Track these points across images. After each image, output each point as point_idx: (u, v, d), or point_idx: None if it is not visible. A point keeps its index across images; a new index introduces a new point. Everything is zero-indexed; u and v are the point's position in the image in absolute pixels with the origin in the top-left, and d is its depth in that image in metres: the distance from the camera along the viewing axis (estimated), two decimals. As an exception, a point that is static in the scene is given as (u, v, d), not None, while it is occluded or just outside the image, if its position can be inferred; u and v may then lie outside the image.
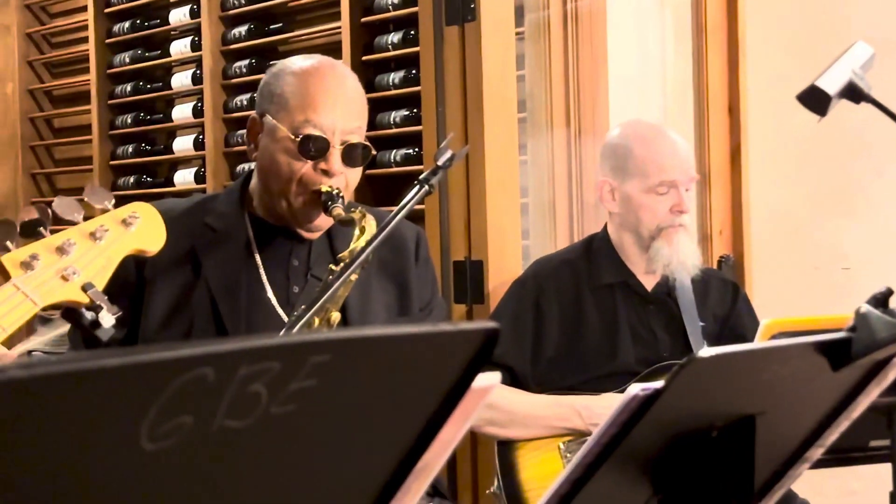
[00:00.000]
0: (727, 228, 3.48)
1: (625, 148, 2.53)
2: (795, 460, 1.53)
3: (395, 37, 3.88)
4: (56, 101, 5.46)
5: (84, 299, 1.37)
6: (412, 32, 3.81)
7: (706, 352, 1.21)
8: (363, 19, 3.96)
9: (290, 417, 0.63)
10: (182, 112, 4.72)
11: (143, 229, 1.49)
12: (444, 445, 0.88)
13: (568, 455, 2.43)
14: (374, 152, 1.91)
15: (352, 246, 1.73)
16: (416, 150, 3.80)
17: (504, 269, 3.00)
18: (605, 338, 2.50)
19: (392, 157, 3.84)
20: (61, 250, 1.38)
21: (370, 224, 1.77)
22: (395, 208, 1.75)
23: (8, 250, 1.37)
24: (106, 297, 1.39)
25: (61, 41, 5.41)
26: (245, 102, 4.42)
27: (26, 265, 1.34)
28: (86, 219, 1.50)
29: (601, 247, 2.60)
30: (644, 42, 3.48)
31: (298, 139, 1.83)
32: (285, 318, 1.87)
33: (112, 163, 5.02)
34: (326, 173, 1.84)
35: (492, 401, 2.35)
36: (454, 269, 3.02)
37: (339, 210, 1.79)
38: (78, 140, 5.23)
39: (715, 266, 3.42)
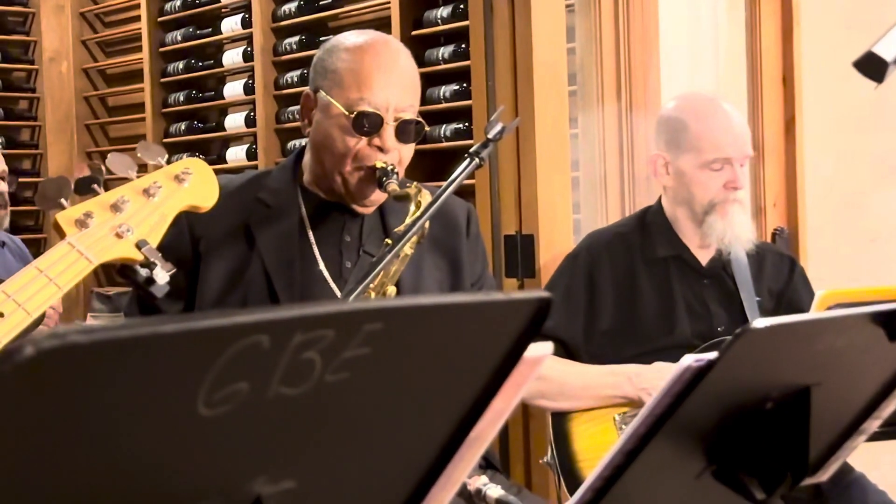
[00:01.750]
0: (781, 201, 3.43)
1: (680, 122, 2.50)
2: (851, 432, 1.51)
3: (444, 11, 3.87)
4: (110, 80, 5.53)
5: (138, 256, 1.36)
6: (461, 6, 3.80)
7: (760, 322, 1.20)
8: (412, -7, 3.95)
9: (343, 385, 0.63)
10: (233, 89, 4.75)
11: (196, 185, 1.48)
12: (497, 415, 0.89)
13: (623, 426, 2.42)
14: (426, 128, 1.91)
15: (407, 221, 1.73)
16: (466, 124, 3.80)
17: (555, 244, 2.99)
18: (660, 311, 2.49)
19: (442, 132, 3.84)
20: (115, 207, 1.38)
21: (425, 199, 1.77)
22: (446, 183, 1.75)
23: (63, 207, 1.37)
24: (160, 254, 1.38)
25: (114, 20, 5.47)
26: (295, 79, 4.43)
27: (81, 223, 1.34)
28: (139, 175, 1.50)
29: (655, 220, 2.57)
30: (696, 11, 3.43)
31: (353, 116, 1.83)
32: (338, 293, 1.88)
33: (165, 140, 5.07)
34: (380, 149, 1.84)
35: (542, 373, 2.36)
36: (505, 243, 3.01)
37: (393, 185, 1.79)
38: (131, 118, 5.29)
39: (769, 238, 3.38)
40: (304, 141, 4.49)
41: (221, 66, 4.81)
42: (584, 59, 3.31)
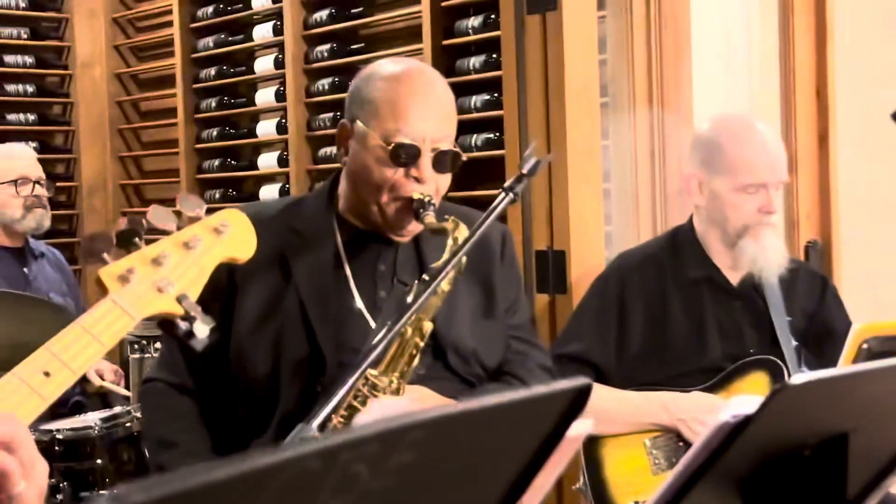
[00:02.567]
0: (814, 213, 3.41)
1: (715, 143, 2.48)
2: (889, 472, 1.51)
3: (475, 21, 3.87)
4: (142, 85, 5.57)
5: (179, 310, 1.38)
6: (492, 16, 3.80)
7: (798, 378, 1.20)
8: (443, 3, 3.96)
9: (390, 491, 0.64)
10: (265, 96, 4.78)
11: (235, 237, 1.50)
12: (538, 491, 0.89)
13: (654, 451, 2.42)
14: (464, 158, 1.91)
15: (445, 257, 1.74)
16: (497, 134, 3.80)
17: (587, 259, 2.99)
18: (691, 333, 2.48)
19: (473, 142, 3.84)
20: (156, 262, 1.39)
21: (462, 233, 1.77)
22: (480, 219, 1.75)
23: (106, 263, 1.39)
24: (200, 308, 1.40)
25: (147, 25, 5.51)
26: (326, 87, 4.45)
27: (123, 279, 1.36)
28: (178, 227, 1.51)
29: (686, 240, 2.57)
30: (729, 23, 3.41)
31: (390, 147, 1.84)
32: (372, 324, 1.89)
33: (197, 146, 5.11)
34: (417, 180, 1.84)
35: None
36: (536, 258, 3.02)
37: (430, 218, 1.80)
38: (164, 123, 5.32)
39: (802, 251, 3.36)
40: (335, 149, 4.50)
41: (253, 72, 4.83)
42: (615, 69, 3.30)
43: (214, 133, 5.03)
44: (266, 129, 4.78)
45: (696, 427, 2.34)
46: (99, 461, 3.07)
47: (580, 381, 0.77)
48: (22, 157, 3.67)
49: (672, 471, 1.26)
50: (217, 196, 5.00)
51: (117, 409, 3.17)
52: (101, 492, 3.09)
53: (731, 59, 3.42)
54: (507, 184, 1.77)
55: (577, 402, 0.82)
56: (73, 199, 5.58)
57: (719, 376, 2.44)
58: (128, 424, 3.07)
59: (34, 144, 5.36)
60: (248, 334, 1.90)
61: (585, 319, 2.55)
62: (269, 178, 4.84)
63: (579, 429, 0.86)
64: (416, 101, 1.86)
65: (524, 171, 1.75)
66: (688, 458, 1.24)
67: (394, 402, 1.58)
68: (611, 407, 2.43)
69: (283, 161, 4.70)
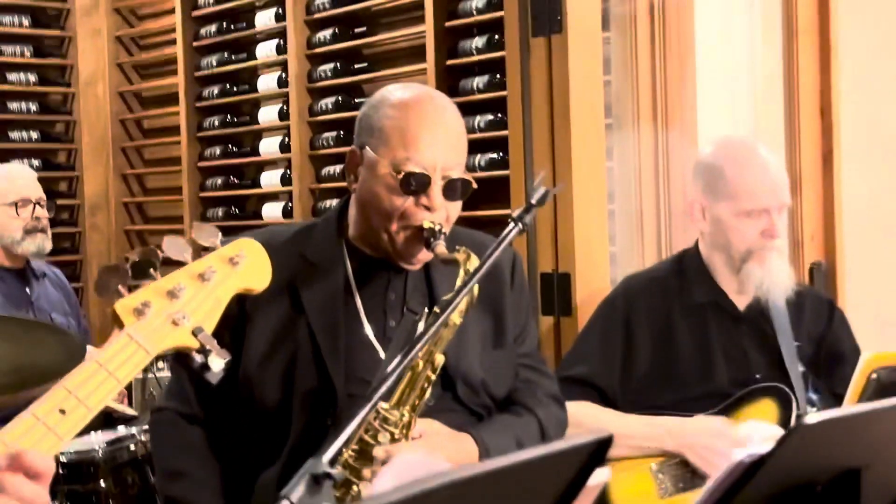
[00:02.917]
0: (819, 234, 3.41)
1: (717, 169, 2.49)
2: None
3: (479, 41, 3.88)
4: (145, 103, 5.58)
5: (194, 344, 1.38)
6: (496, 37, 3.81)
7: (812, 418, 1.20)
8: (447, 23, 3.96)
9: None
10: (268, 115, 4.78)
11: (250, 268, 1.49)
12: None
13: (660, 476, 2.41)
14: (474, 186, 1.90)
15: (457, 288, 1.72)
16: (501, 154, 3.80)
17: (592, 282, 2.99)
18: (697, 358, 2.48)
19: (476, 162, 3.85)
20: (172, 294, 1.38)
21: (473, 265, 1.76)
22: (489, 249, 1.74)
23: (121, 296, 1.39)
24: (215, 341, 1.40)
25: (150, 44, 5.52)
26: (330, 106, 4.46)
27: (139, 312, 1.35)
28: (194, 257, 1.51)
29: (692, 265, 2.57)
30: (732, 44, 3.42)
31: (400, 176, 1.83)
32: (382, 354, 1.89)
33: (200, 164, 5.11)
34: (427, 208, 1.83)
35: (581, 420, 2.38)
36: (541, 281, 3.01)
37: (441, 248, 1.79)
38: (167, 141, 5.33)
39: (807, 272, 3.36)
40: (338, 168, 4.50)
41: (256, 91, 4.84)
42: (619, 90, 3.30)
43: (217, 151, 5.03)
44: (269, 147, 4.78)
45: (704, 453, 2.34)
46: (103, 484, 3.06)
47: (600, 434, 0.77)
48: (21, 178, 3.66)
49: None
50: (220, 214, 5.00)
51: (122, 432, 3.15)
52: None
53: (735, 78, 3.42)
54: (515, 214, 1.76)
55: (597, 454, 0.81)
56: (75, 216, 5.58)
57: (726, 402, 2.44)
58: (132, 448, 3.06)
59: (37, 162, 5.37)
60: (258, 365, 1.89)
61: (591, 342, 2.54)
62: (271, 197, 4.84)
63: (599, 478, 0.86)
64: (427, 129, 1.85)
65: (533, 201, 1.74)
66: (702, 498, 1.24)
67: (414, 459, 1.57)
68: (615, 431, 2.41)
69: (286, 180, 4.70)
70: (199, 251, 1.54)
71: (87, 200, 5.54)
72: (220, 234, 1.51)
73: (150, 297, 1.35)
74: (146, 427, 3.10)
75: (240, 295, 1.87)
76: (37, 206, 3.60)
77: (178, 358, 1.37)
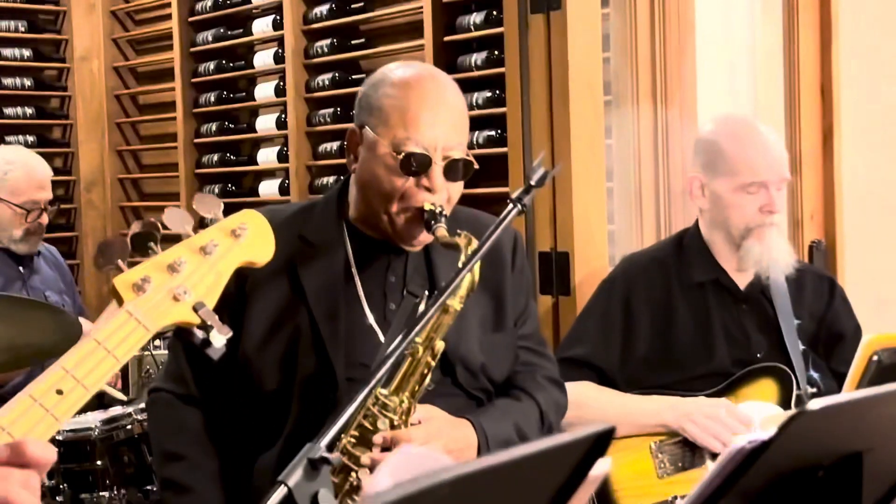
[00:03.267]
0: (819, 213, 3.39)
1: (716, 145, 2.48)
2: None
3: (477, 17, 3.84)
4: (141, 79, 5.54)
5: (195, 319, 1.34)
6: (494, 13, 3.77)
7: (816, 403, 1.19)
8: (445, -1, 3.92)
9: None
10: (264, 91, 4.75)
11: (252, 240, 1.45)
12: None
13: (659, 455, 2.41)
14: (476, 166, 1.87)
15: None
16: (499, 131, 3.78)
17: (591, 261, 2.97)
18: (697, 338, 2.47)
19: (475, 139, 3.82)
20: (172, 268, 1.35)
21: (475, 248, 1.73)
22: (488, 231, 1.72)
23: (121, 270, 1.36)
24: (216, 317, 1.36)
25: (145, 18, 5.47)
26: (327, 82, 4.42)
27: (138, 287, 1.32)
28: (195, 230, 1.47)
29: (692, 244, 2.55)
30: (732, 21, 3.39)
31: (400, 156, 1.79)
32: (382, 338, 1.87)
33: (196, 140, 5.08)
34: (428, 189, 1.80)
35: (581, 400, 2.36)
36: (540, 260, 3.00)
37: (442, 231, 1.76)
38: (163, 117, 5.29)
39: (806, 251, 3.35)
40: (335, 144, 4.47)
41: (252, 67, 4.80)
42: (618, 67, 3.28)
43: (214, 128, 5.00)
44: (265, 124, 4.75)
45: (705, 422, 2.31)
46: (99, 462, 3.05)
47: (602, 426, 0.75)
48: (37, 179, 3.57)
49: (687, 496, 1.25)
50: (216, 191, 4.98)
51: (117, 411, 3.15)
52: (101, 493, 3.08)
53: (736, 58, 3.40)
54: (515, 195, 1.74)
55: (599, 445, 0.80)
56: (70, 193, 5.56)
57: (726, 382, 2.43)
58: (128, 426, 3.05)
59: (31, 138, 5.34)
60: (258, 347, 1.87)
61: (591, 323, 2.53)
62: (268, 174, 4.82)
63: (600, 469, 0.85)
64: (427, 109, 1.81)
65: (532, 182, 1.72)
66: (703, 483, 1.23)
67: (413, 452, 1.56)
68: (615, 409, 2.42)
69: (282, 156, 4.67)
70: (201, 223, 1.50)
71: (83, 176, 5.51)
72: (221, 204, 1.47)
73: (150, 272, 1.32)
74: (142, 406, 3.09)
75: (239, 275, 1.85)
76: (43, 211, 3.56)
77: (179, 334, 1.34)
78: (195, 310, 1.34)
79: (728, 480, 1.22)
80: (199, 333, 1.35)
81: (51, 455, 1.08)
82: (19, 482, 1.06)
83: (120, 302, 1.32)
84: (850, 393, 1.22)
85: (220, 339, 1.35)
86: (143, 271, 1.33)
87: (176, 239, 1.40)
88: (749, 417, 2.33)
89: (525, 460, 0.70)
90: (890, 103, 3.39)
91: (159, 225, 1.40)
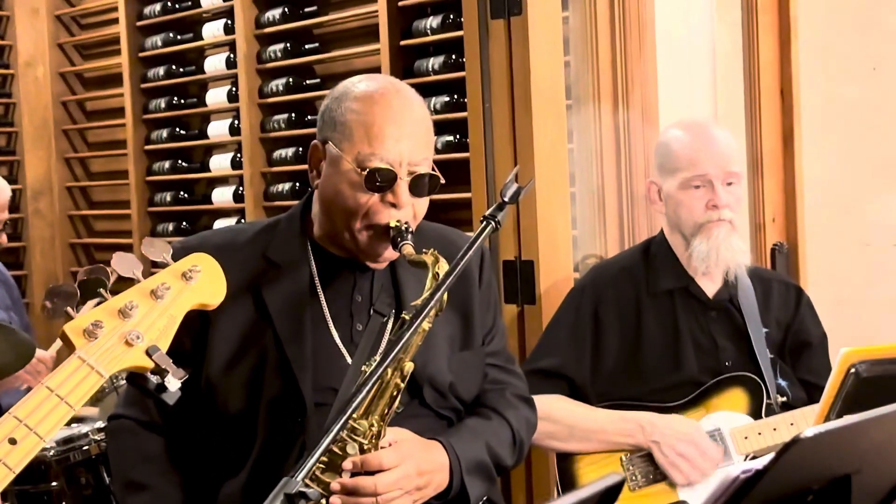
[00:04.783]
0: (780, 215, 3.39)
1: (665, 146, 2.49)
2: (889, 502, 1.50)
3: (434, 21, 3.80)
4: (88, 84, 5.42)
5: (149, 364, 1.34)
6: (451, 16, 3.73)
7: (810, 431, 1.17)
8: (400, 3, 3.88)
9: None
10: (216, 96, 4.66)
11: (204, 282, 1.43)
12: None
13: (630, 468, 2.38)
14: (442, 181, 1.83)
15: (425, 295, 1.65)
16: (458, 136, 3.74)
17: (556, 269, 2.94)
18: (666, 348, 2.44)
19: (434, 145, 3.77)
20: (123, 313, 1.34)
21: (443, 268, 1.69)
22: (462, 251, 1.68)
23: (70, 317, 1.32)
24: (171, 361, 1.35)
25: (91, 23, 5.36)
26: (280, 87, 4.35)
27: (90, 333, 1.31)
28: (146, 274, 1.45)
29: (659, 251, 2.53)
30: (692, 25, 3.37)
31: (364, 173, 1.75)
32: (349, 359, 1.82)
33: (146, 147, 4.98)
34: (393, 206, 1.76)
35: (552, 414, 2.33)
36: (504, 268, 2.95)
37: (409, 249, 1.71)
38: (111, 124, 5.19)
39: (768, 254, 3.34)
40: (290, 151, 4.40)
41: (203, 72, 4.72)
42: (579, 71, 3.24)
43: (164, 134, 4.90)
44: (218, 130, 4.67)
45: (668, 452, 2.32)
46: (55, 484, 2.96)
47: (613, 478, 0.71)
48: (1, 199, 3.48)
49: None
50: (168, 199, 4.89)
51: (74, 430, 3.06)
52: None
53: (695, 58, 3.38)
54: (488, 212, 1.70)
55: (608, 497, 0.76)
56: (17, 202, 5.43)
57: (696, 392, 2.41)
58: (85, 447, 2.97)
59: (-25, 147, 5.21)
60: (222, 371, 1.82)
61: (560, 334, 2.50)
62: (221, 181, 4.73)
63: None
64: (392, 123, 1.77)
65: (506, 198, 1.69)
66: (697, 515, 1.20)
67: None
68: (586, 426, 2.39)
69: (236, 163, 4.59)
70: (151, 267, 1.46)
71: (29, 186, 5.38)
72: (171, 249, 1.44)
73: (102, 317, 1.30)
74: (99, 426, 3.01)
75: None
76: (2, 231, 3.46)
77: (133, 379, 1.30)
78: (149, 354, 1.33)
79: (722, 512, 1.19)
80: (154, 378, 1.34)
81: None
82: None
83: (71, 348, 1.29)
84: (841, 420, 1.20)
85: (175, 383, 1.33)
86: (94, 316, 1.32)
87: (126, 283, 1.36)
88: (717, 457, 2.32)
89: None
90: (847, 104, 3.39)
91: (108, 270, 1.36)
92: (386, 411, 1.69)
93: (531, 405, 2.05)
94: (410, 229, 1.75)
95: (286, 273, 1.84)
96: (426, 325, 1.66)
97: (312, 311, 1.83)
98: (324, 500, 1.67)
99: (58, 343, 3.76)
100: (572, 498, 0.73)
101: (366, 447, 1.68)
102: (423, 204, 1.82)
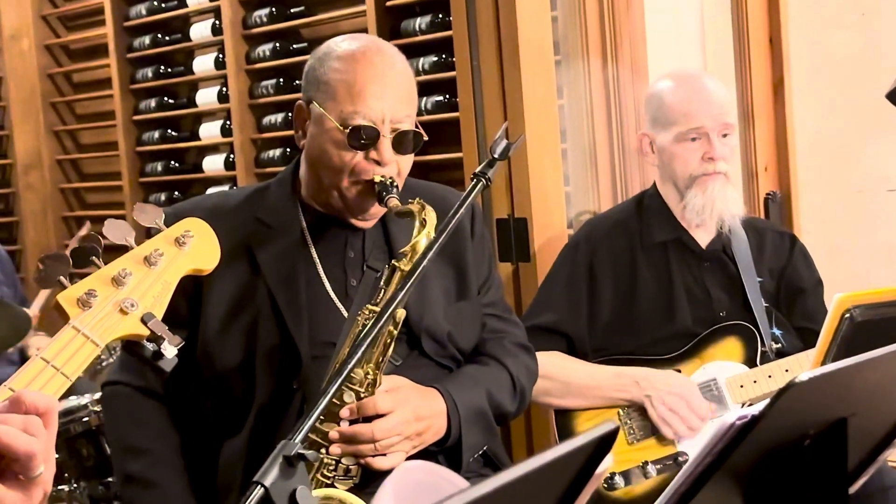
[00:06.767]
0: (772, 164, 3.38)
1: (658, 98, 2.47)
2: (884, 447, 1.51)
3: (419, -20, 3.76)
4: (74, 56, 5.37)
5: (144, 332, 1.32)
6: (437, -25, 3.69)
7: (805, 375, 1.17)
8: (385, -37, 3.83)
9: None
10: (203, 64, 4.62)
11: (198, 247, 1.42)
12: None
13: (628, 421, 2.39)
14: (425, 138, 1.84)
15: (414, 240, 1.68)
16: (447, 96, 3.71)
17: (549, 226, 2.94)
18: (660, 299, 2.45)
19: (423, 105, 3.75)
20: (117, 281, 1.32)
21: (430, 215, 1.70)
22: (454, 208, 1.67)
23: (63, 287, 1.31)
24: (166, 327, 1.33)
25: (74, -7, 5.30)
26: (268, 53, 4.32)
27: (83, 302, 1.29)
28: (138, 241, 1.43)
29: (652, 203, 2.53)
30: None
31: (348, 130, 1.77)
32: (345, 313, 1.83)
33: (135, 118, 4.95)
34: (378, 162, 1.78)
35: (548, 371, 2.34)
36: (497, 227, 2.95)
37: (395, 201, 1.73)
38: (99, 95, 5.14)
39: (762, 203, 3.34)
40: (280, 116, 4.36)
41: (189, 40, 4.67)
42: (567, 26, 3.22)
43: (153, 104, 4.86)
44: (206, 98, 4.63)
45: (658, 406, 2.32)
46: (56, 456, 2.97)
47: (607, 426, 0.71)
48: None
49: (678, 473, 1.22)
50: (159, 168, 4.86)
51: (73, 402, 3.06)
52: (60, 487, 3.01)
53: (684, 9, 3.36)
54: (478, 169, 1.71)
55: (603, 445, 0.76)
56: (7, 176, 5.40)
57: (692, 343, 2.41)
58: (85, 419, 2.98)
59: (-37, 123, 5.17)
60: (218, 331, 1.83)
61: (556, 289, 2.50)
62: (212, 149, 4.70)
63: (604, 465, 0.81)
64: (374, 81, 1.79)
65: (496, 155, 1.68)
66: (692, 462, 1.21)
67: (413, 466, 1.52)
68: (582, 382, 2.40)
69: (226, 131, 4.56)
70: (144, 233, 1.45)
71: (19, 160, 5.34)
72: (163, 214, 1.43)
73: (95, 286, 1.28)
74: (98, 396, 3.01)
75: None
76: None
77: (129, 347, 1.29)
78: (144, 322, 1.31)
79: (719, 457, 1.19)
80: (150, 346, 1.33)
81: (49, 402, 1.05)
82: (18, 425, 1.02)
83: (65, 318, 1.28)
84: (836, 363, 1.21)
85: (171, 350, 1.32)
86: (88, 285, 1.30)
87: (118, 251, 1.35)
88: (706, 413, 2.33)
89: (536, 471, 0.66)
90: (836, 51, 3.38)
91: (100, 238, 1.34)
92: (381, 360, 1.70)
93: (531, 353, 2.07)
94: (396, 184, 1.77)
95: (278, 233, 1.86)
96: (405, 267, 1.67)
97: (305, 267, 1.86)
98: (323, 450, 1.69)
99: (39, 301, 3.77)
100: (568, 446, 0.73)
101: (362, 395, 1.70)
102: (407, 161, 1.84)
